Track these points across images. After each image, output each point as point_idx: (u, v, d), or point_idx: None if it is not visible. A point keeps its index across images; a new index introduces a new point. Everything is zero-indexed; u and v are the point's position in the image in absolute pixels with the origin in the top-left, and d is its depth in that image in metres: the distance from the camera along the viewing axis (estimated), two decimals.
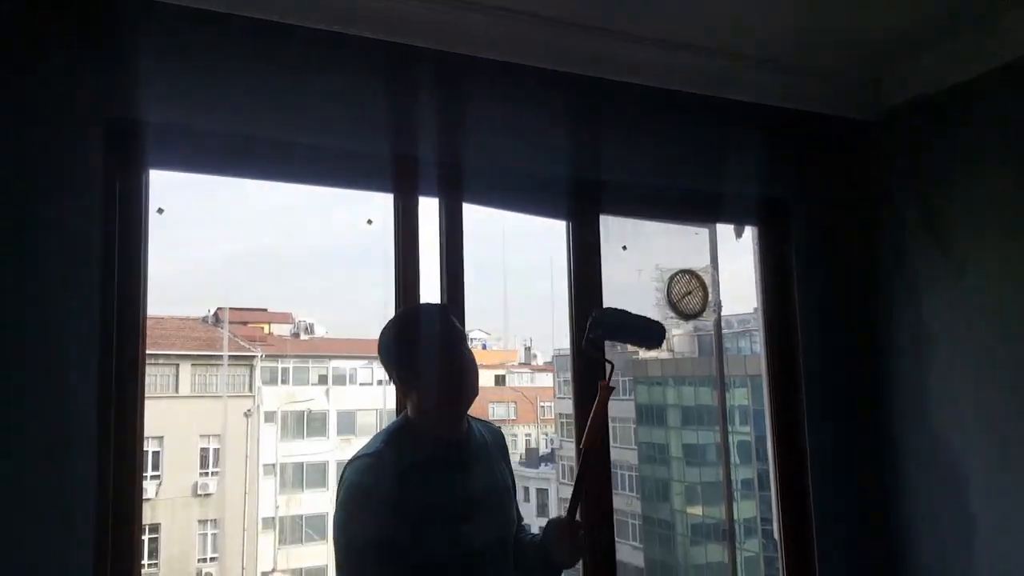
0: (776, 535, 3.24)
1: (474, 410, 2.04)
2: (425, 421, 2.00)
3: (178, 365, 7.95)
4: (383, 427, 2.05)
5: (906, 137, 3.22)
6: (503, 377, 11.15)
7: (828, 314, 3.22)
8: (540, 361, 11.43)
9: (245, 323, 9.03)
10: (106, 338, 2.15)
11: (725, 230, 3.27)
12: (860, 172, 3.34)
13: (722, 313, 3.22)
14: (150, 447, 7.31)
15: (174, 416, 7.87)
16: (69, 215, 2.21)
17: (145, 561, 7.46)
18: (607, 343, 2.18)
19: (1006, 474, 2.90)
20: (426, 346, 2.01)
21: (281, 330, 9.21)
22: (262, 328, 9.19)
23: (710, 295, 3.12)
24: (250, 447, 8.49)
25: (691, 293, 3.09)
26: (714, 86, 3.04)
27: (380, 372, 10.44)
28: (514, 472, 2.24)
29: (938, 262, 3.09)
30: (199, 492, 8.05)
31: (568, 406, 2.60)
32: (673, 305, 3.07)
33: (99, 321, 2.15)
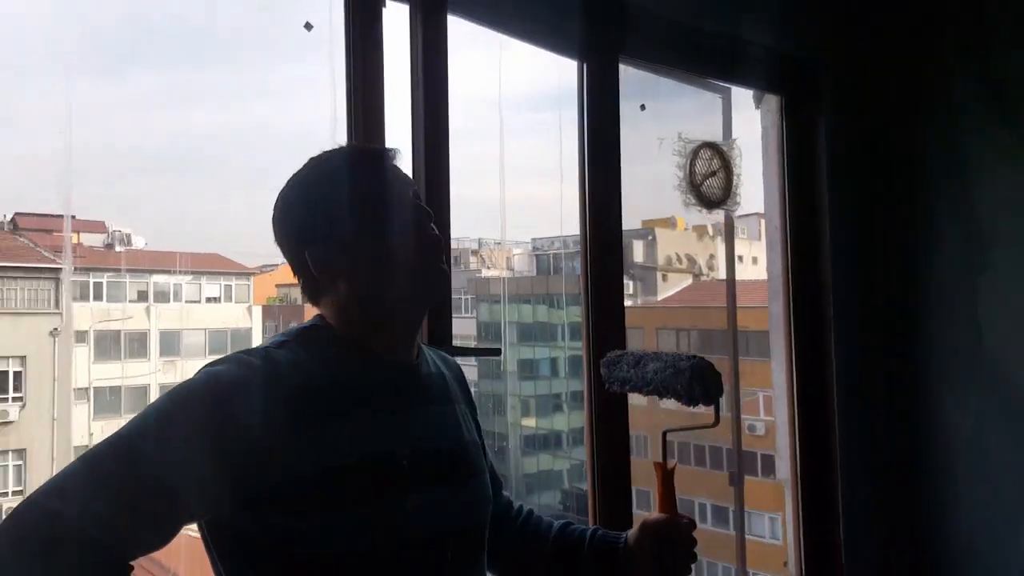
0: (791, 492, 2.91)
1: None
2: (356, 331, 1.31)
3: None
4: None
5: None
6: None
7: (861, 212, 2.84)
8: None
9: (49, 231, 8.15)
10: None
11: (740, 99, 2.78)
12: (911, 34, 2.92)
13: (735, 205, 2.70)
14: None
15: None
16: None
17: None
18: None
19: None
20: (368, 199, 1.30)
21: (92, 240, 8.32)
22: (70, 238, 8.30)
23: (734, 178, 2.58)
24: (59, 370, 7.42)
25: (715, 174, 2.57)
26: None
27: (210, 288, 9.75)
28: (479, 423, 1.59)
29: (1001, 147, 2.75)
30: None
31: None
32: (695, 188, 2.52)
33: None
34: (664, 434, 1.60)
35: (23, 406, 7.28)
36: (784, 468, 3.11)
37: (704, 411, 1.59)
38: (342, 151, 1.41)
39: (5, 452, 7.03)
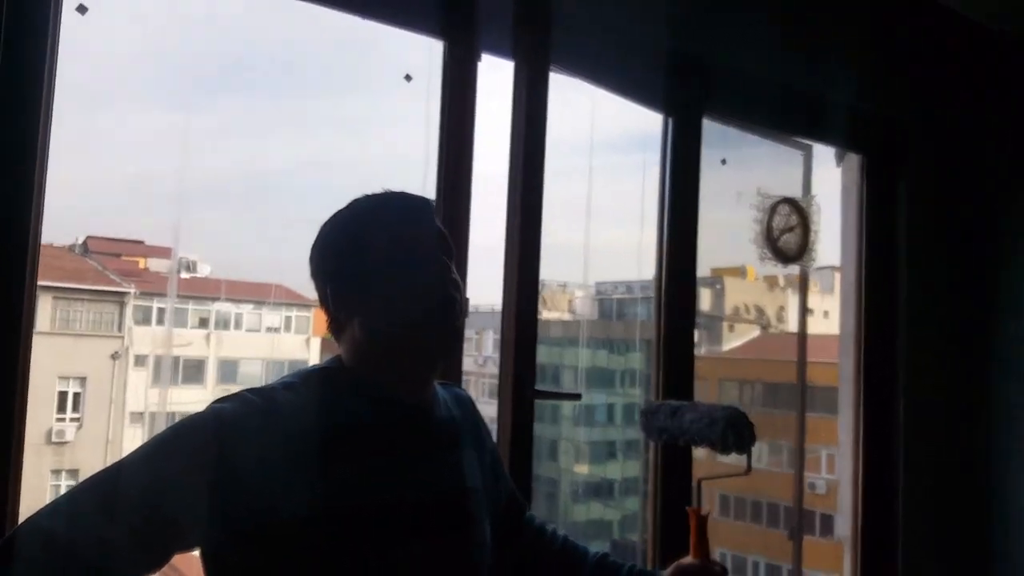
0: (850, 552, 2.84)
1: None
2: (370, 371, 1.34)
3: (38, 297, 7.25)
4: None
5: None
6: None
7: (938, 274, 2.79)
8: None
9: (118, 255, 8.31)
10: None
11: (821, 155, 2.78)
12: (996, 98, 2.89)
13: (811, 261, 2.67)
14: None
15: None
16: None
17: None
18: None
19: None
20: (392, 245, 1.35)
21: (159, 266, 8.47)
22: (137, 262, 8.46)
23: (811, 234, 2.57)
24: (116, 392, 7.75)
25: (792, 230, 2.55)
26: None
27: (271, 318, 9.86)
28: (498, 456, 1.59)
29: None
30: (54, 439, 7.33)
31: None
32: (772, 242, 2.50)
33: None
34: (699, 482, 1.65)
35: (80, 427, 7.40)
36: (845, 527, 3.04)
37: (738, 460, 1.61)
38: (381, 196, 1.44)
39: (59, 471, 7.17)
